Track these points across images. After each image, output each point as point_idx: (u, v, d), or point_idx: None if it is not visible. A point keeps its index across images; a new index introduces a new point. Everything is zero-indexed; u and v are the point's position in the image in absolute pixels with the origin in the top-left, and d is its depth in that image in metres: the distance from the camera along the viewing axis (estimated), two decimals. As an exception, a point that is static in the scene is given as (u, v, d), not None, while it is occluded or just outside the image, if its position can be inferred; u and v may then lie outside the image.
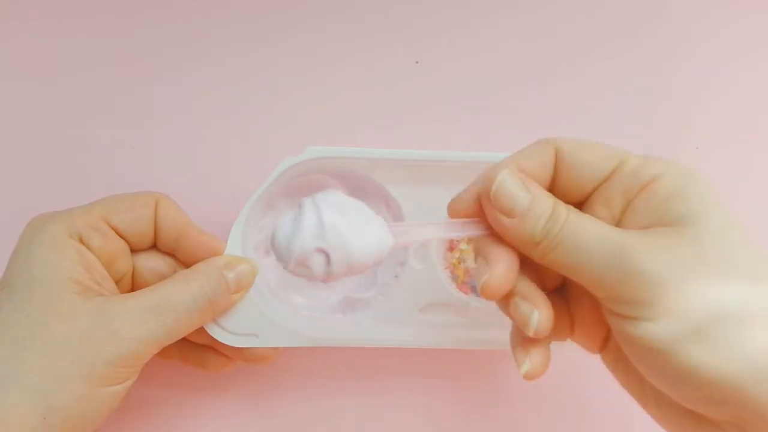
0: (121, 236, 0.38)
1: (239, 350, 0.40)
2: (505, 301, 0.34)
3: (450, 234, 0.35)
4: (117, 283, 0.39)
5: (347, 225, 0.35)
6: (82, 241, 0.37)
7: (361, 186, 0.42)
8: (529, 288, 0.33)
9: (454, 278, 0.42)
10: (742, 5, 0.47)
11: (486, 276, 0.33)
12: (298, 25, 0.46)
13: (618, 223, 0.32)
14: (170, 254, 0.40)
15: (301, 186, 0.42)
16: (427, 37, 0.47)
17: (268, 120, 0.46)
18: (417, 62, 0.46)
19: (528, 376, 0.33)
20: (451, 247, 0.42)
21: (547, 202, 0.32)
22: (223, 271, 0.38)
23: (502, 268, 0.33)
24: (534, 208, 0.31)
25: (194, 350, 0.41)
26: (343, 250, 0.34)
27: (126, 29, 0.46)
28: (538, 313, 0.32)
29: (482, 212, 0.33)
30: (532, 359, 0.33)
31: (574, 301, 0.35)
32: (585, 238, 0.30)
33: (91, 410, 0.35)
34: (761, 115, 0.47)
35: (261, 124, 0.46)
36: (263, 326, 0.40)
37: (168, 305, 0.36)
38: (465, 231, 0.34)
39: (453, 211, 0.34)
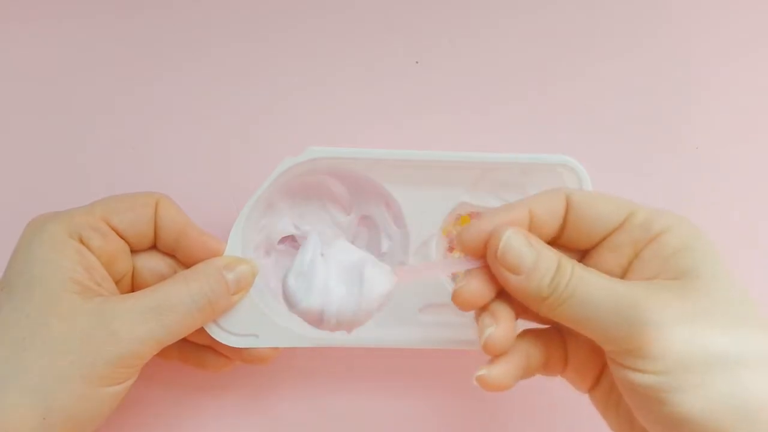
0: (121, 237, 0.38)
1: (238, 350, 0.40)
2: (478, 315, 0.35)
3: (453, 269, 0.38)
4: (117, 283, 0.39)
5: (350, 293, 0.36)
6: (82, 242, 0.37)
7: (361, 186, 0.42)
8: (500, 308, 0.34)
9: (454, 279, 0.42)
10: (742, 5, 0.47)
11: (459, 285, 0.34)
12: (298, 25, 0.46)
13: (625, 271, 0.33)
14: (170, 255, 0.40)
15: (301, 186, 0.42)
16: (427, 37, 0.47)
17: (268, 120, 0.46)
18: (417, 62, 0.46)
19: (478, 379, 0.34)
20: (451, 247, 0.42)
21: (551, 258, 0.33)
22: (223, 271, 0.38)
23: (475, 284, 0.34)
24: (539, 265, 0.32)
25: (194, 350, 0.41)
26: (347, 318, 0.37)
27: (126, 29, 0.46)
28: (494, 329, 0.34)
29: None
30: (492, 369, 0.34)
31: (571, 339, 0.36)
32: (590, 292, 0.31)
33: (90, 410, 0.35)
34: (761, 115, 0.47)
35: (261, 124, 0.46)
36: (263, 327, 0.40)
37: (168, 306, 0.36)
38: (467, 265, 0.35)
39: (465, 248, 0.35)
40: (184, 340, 0.40)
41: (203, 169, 0.45)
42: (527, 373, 0.35)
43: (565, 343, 0.36)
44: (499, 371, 0.34)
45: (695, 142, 0.46)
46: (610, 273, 0.33)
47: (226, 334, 0.39)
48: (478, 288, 0.34)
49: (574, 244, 0.34)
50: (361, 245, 0.43)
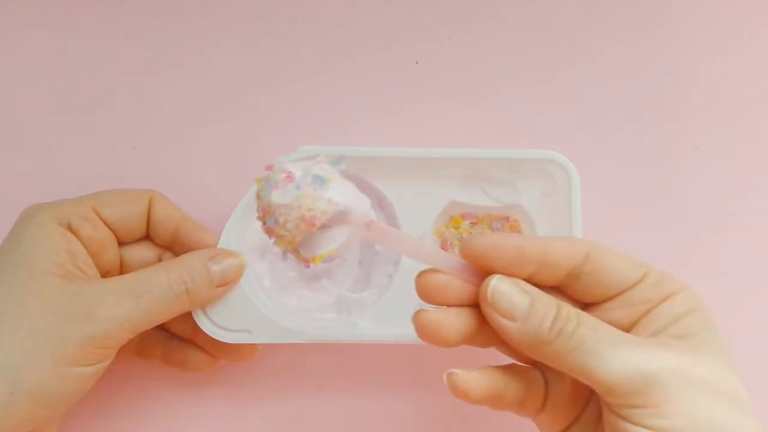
0: (110, 228, 0.39)
1: (223, 348, 0.41)
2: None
3: (431, 261, 0.33)
4: (105, 275, 0.39)
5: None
6: (71, 229, 0.38)
7: (353, 186, 0.42)
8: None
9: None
10: (743, 5, 0.46)
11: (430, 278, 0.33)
12: (297, 25, 0.46)
13: (632, 327, 0.33)
14: (167, 249, 0.41)
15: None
16: (427, 37, 0.47)
17: (270, 120, 0.46)
18: (417, 62, 0.47)
19: (448, 377, 0.33)
20: (444, 248, 0.42)
21: (549, 302, 0.32)
22: (208, 263, 0.38)
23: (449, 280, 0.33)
24: (536, 309, 0.31)
25: (177, 347, 0.42)
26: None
27: (127, 29, 0.46)
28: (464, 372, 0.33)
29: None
30: (468, 373, 0.33)
31: (553, 384, 0.34)
32: (602, 343, 0.31)
33: (59, 389, 0.35)
34: (761, 116, 0.46)
35: (263, 124, 0.46)
36: (256, 323, 0.40)
37: (145, 289, 0.37)
38: (445, 265, 0.33)
39: (465, 253, 0.33)
40: (169, 335, 0.41)
41: (204, 169, 0.45)
42: (501, 402, 0.33)
43: (547, 388, 0.34)
44: (472, 378, 0.33)
45: (695, 142, 0.46)
46: (617, 327, 0.32)
47: (218, 329, 0.40)
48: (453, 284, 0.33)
49: (581, 296, 0.33)
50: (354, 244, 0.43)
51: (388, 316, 0.41)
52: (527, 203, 0.42)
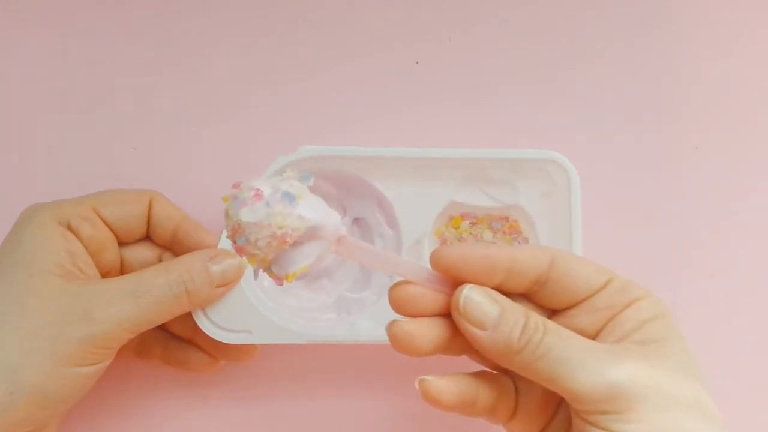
0: (110, 228, 0.39)
1: (224, 348, 0.41)
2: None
3: (405, 273, 0.33)
4: (105, 275, 0.39)
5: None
6: (70, 229, 0.38)
7: (353, 188, 0.42)
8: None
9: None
10: (743, 5, 0.46)
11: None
12: (296, 24, 0.47)
13: (597, 333, 0.33)
14: (167, 249, 0.41)
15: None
16: (427, 37, 0.47)
17: (270, 121, 0.46)
18: (417, 62, 0.47)
19: (420, 383, 0.32)
20: (444, 246, 0.42)
21: (518, 311, 0.32)
22: (208, 263, 0.38)
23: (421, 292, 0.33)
24: (506, 318, 0.31)
25: (177, 347, 0.42)
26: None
27: (127, 31, 0.46)
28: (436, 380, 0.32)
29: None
30: (439, 379, 0.32)
31: (523, 391, 0.34)
32: (568, 350, 0.31)
33: (59, 389, 0.35)
34: (761, 116, 0.46)
35: (263, 125, 0.46)
36: (257, 323, 0.40)
37: (144, 290, 0.37)
38: (417, 277, 0.33)
39: (436, 264, 0.33)
40: (169, 335, 0.41)
41: (204, 169, 0.45)
42: (472, 409, 0.33)
43: (518, 394, 0.34)
44: (443, 384, 0.32)
45: (695, 142, 0.46)
46: (582, 334, 0.32)
47: (218, 330, 0.40)
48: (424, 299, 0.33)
49: (547, 303, 0.33)
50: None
51: (387, 316, 0.41)
52: (527, 203, 0.42)
